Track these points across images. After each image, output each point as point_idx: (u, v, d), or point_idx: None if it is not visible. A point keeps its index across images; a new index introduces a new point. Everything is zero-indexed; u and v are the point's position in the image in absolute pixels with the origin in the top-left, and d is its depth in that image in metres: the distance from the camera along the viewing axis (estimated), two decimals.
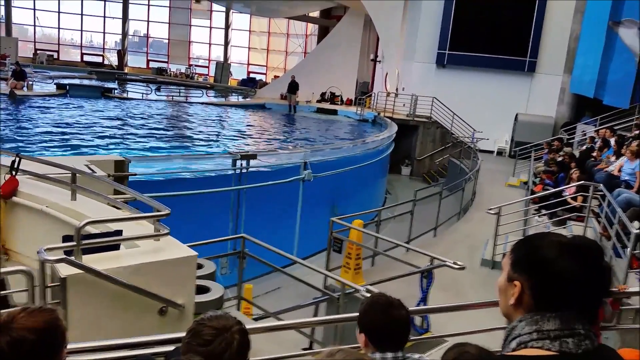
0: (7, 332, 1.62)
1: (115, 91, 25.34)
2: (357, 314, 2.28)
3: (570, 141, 16.82)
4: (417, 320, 5.84)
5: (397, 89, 22.48)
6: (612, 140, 11.46)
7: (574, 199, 8.89)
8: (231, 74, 33.67)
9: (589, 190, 8.25)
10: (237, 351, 1.69)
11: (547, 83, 20.71)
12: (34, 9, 33.83)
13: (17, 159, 5.16)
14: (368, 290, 4.65)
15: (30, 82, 22.32)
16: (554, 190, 9.86)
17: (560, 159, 12.28)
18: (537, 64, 20.87)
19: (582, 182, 8.73)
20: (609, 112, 16.43)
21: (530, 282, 1.24)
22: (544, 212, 9.61)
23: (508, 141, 21.07)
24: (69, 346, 1.79)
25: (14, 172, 5.18)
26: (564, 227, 8.76)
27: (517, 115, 20.64)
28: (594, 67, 16.84)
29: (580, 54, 19.11)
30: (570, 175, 9.98)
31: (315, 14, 31.73)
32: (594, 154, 11.98)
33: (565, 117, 20.56)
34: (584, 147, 13.12)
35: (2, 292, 3.85)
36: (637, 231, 5.58)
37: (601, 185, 7.93)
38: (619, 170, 8.82)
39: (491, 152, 20.54)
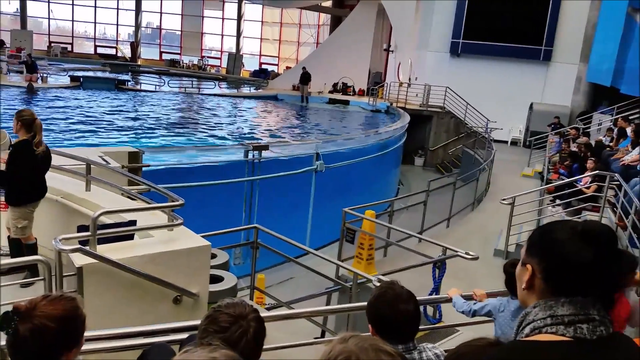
0: (29, 319, 1.66)
1: (129, 83, 25.50)
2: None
3: (587, 130, 16.58)
4: (430, 310, 5.85)
5: (409, 79, 22.31)
6: (629, 130, 11.28)
7: (589, 188, 8.79)
8: (243, 65, 33.64)
9: (604, 180, 8.16)
10: (254, 338, 1.69)
11: (563, 72, 20.40)
12: (48, 2, 34.05)
13: None
14: (380, 280, 4.65)
15: (45, 75, 22.52)
16: (568, 180, 9.75)
17: (574, 148, 12.13)
18: (553, 52, 20.56)
19: (598, 172, 8.63)
20: (626, 101, 16.15)
21: (541, 264, 1.24)
22: (558, 202, 9.52)
23: (522, 131, 20.84)
24: (86, 334, 1.82)
25: None
26: (579, 217, 8.67)
27: (532, 104, 20.39)
28: (612, 55, 16.52)
29: (598, 41, 18.76)
30: (585, 165, 9.86)
31: (328, 3, 31.49)
32: (611, 143, 11.81)
33: (581, 106, 20.25)
34: (600, 138, 12.93)
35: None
36: None
37: (617, 174, 7.83)
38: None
39: (505, 142, 20.35)
